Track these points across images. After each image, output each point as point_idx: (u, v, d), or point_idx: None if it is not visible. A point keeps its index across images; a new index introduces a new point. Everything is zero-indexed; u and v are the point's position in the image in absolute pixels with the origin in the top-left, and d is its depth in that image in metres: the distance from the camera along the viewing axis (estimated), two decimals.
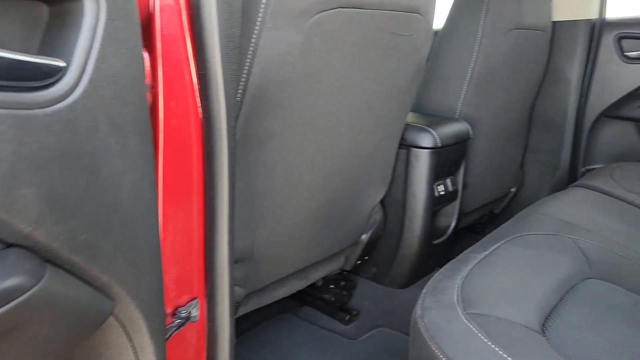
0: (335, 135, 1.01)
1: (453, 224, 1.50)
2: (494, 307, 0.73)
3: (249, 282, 1.01)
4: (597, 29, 1.77)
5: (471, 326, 0.68)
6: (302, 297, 1.44)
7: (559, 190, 1.91)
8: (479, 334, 0.67)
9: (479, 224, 1.98)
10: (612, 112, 1.81)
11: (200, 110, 0.63)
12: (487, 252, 0.90)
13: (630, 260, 0.95)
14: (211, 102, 0.63)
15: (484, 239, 0.99)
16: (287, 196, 0.99)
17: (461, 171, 1.47)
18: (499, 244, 0.94)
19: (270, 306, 1.23)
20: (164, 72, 0.60)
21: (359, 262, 1.35)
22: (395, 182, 1.35)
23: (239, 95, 0.80)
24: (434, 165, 1.32)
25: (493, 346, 0.65)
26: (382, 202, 1.35)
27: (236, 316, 1.06)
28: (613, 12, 1.80)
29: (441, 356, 0.66)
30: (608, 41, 1.77)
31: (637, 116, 1.76)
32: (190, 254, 0.68)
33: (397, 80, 1.08)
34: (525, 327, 0.71)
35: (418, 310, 0.76)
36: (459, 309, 0.72)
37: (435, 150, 1.31)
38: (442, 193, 1.39)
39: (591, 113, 1.84)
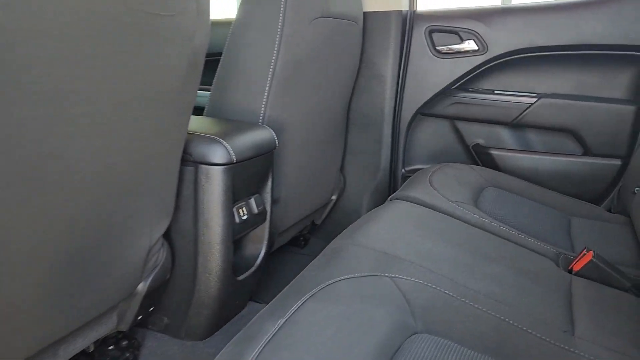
0: (66, 161, 0.67)
1: (263, 251, 1.25)
2: None
3: None
4: (409, 21, 1.65)
5: None
6: None
7: (381, 195, 1.79)
8: None
9: (301, 237, 1.78)
10: (428, 110, 1.73)
11: None
12: (284, 320, 0.65)
13: (458, 299, 0.78)
14: None
15: (283, 292, 0.75)
16: None
17: (268, 187, 1.22)
18: (301, 302, 0.69)
19: None
20: None
21: (140, 317, 1.03)
22: (182, 210, 1.05)
23: None
24: (230, 185, 1.05)
25: None
26: (167, 235, 1.04)
27: None
28: (424, 5, 1.70)
29: None
30: (420, 34, 1.67)
31: (450, 114, 1.69)
32: None
33: (161, 77, 0.78)
34: None
35: None
36: None
37: (230, 166, 1.03)
38: (245, 217, 1.12)
39: (407, 110, 1.73)
